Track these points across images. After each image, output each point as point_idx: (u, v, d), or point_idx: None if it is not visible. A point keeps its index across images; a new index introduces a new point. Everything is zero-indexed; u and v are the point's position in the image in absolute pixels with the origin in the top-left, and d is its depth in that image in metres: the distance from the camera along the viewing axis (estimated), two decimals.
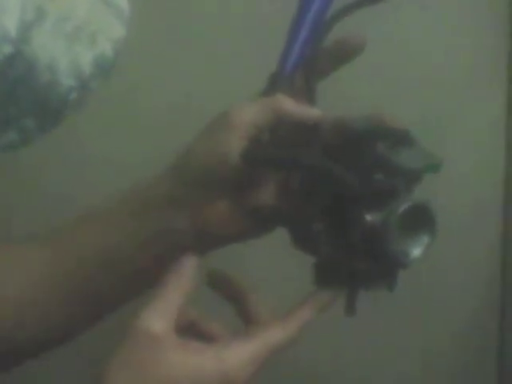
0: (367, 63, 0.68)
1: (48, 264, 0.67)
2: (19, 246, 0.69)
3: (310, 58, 0.65)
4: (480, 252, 1.13)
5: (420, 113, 1.05)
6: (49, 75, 0.48)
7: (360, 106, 0.97)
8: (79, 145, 0.98)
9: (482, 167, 1.12)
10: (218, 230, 0.64)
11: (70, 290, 0.67)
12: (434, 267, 0.97)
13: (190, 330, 0.61)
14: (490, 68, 1.10)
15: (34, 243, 0.69)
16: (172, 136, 0.93)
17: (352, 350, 1.08)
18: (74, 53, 0.48)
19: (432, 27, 1.06)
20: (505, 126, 1.12)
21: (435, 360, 1.14)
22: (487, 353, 1.15)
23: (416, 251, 0.59)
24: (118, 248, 0.66)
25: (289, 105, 0.63)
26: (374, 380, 1.12)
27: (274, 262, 0.97)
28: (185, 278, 0.59)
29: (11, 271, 0.67)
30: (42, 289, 0.67)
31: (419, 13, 1.03)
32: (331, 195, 0.60)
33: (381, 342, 1.08)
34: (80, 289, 0.67)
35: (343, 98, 0.84)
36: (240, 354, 0.56)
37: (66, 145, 0.96)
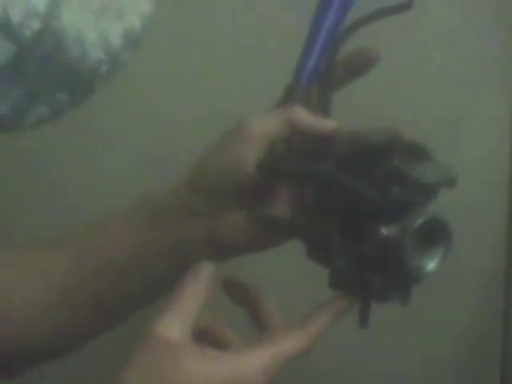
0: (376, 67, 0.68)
1: (62, 270, 0.67)
2: (33, 250, 0.69)
3: (326, 70, 0.65)
4: (484, 252, 1.14)
5: (425, 113, 1.06)
6: (78, 49, 0.48)
7: (367, 109, 0.98)
8: (83, 145, 0.97)
9: (488, 167, 1.12)
10: (231, 240, 0.64)
11: (84, 296, 0.67)
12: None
13: (202, 335, 0.61)
14: (496, 67, 1.10)
15: (47, 248, 0.69)
16: (186, 140, 0.94)
17: (351, 349, 1.08)
18: (103, 27, 0.49)
19: (436, 26, 1.06)
20: (510, 126, 1.12)
21: (436, 361, 1.14)
22: (490, 354, 1.16)
23: (431, 265, 0.59)
24: (132, 256, 0.66)
25: (304, 116, 0.63)
26: (374, 379, 1.12)
27: (286, 268, 0.98)
28: (202, 284, 0.59)
29: (26, 276, 0.67)
30: (57, 294, 0.67)
31: (423, 14, 1.02)
32: (347, 208, 0.60)
33: (381, 342, 1.08)
34: (94, 295, 0.67)
35: (351, 99, 0.84)
36: (255, 362, 0.56)
37: (68, 145, 0.96)
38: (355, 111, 0.87)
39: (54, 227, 0.91)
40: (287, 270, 0.99)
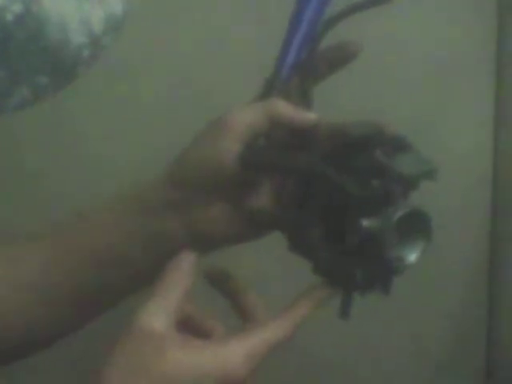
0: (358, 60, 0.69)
1: (48, 263, 0.67)
2: (19, 245, 0.69)
3: (306, 62, 0.66)
4: (468, 242, 1.14)
5: (407, 107, 1.06)
6: (60, 33, 0.49)
7: (349, 103, 0.98)
8: (79, 142, 0.97)
9: (471, 160, 1.13)
10: (214, 233, 0.65)
11: (64, 289, 0.67)
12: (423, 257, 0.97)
13: (185, 324, 0.61)
14: (479, 61, 1.10)
15: (33, 242, 0.69)
16: (171, 131, 0.94)
17: (339, 335, 1.08)
18: (84, 11, 0.50)
19: (420, 22, 1.06)
20: (493, 121, 1.12)
21: (424, 348, 1.15)
22: (476, 341, 1.16)
23: (411, 257, 0.59)
24: (114, 248, 0.66)
25: (285, 108, 0.63)
26: (361, 365, 1.13)
27: (270, 260, 0.98)
28: (184, 274, 0.59)
29: (11, 270, 0.67)
30: (43, 287, 0.67)
31: (404, 6, 1.03)
32: (328, 200, 0.60)
33: (369, 329, 1.08)
34: (75, 287, 0.67)
35: (335, 92, 0.84)
36: (239, 351, 0.56)
37: (66, 143, 0.96)
38: (337, 104, 0.88)
39: (35, 215, 0.93)
40: (270, 262, 1.00)
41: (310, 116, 0.63)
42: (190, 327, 0.63)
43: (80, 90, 0.87)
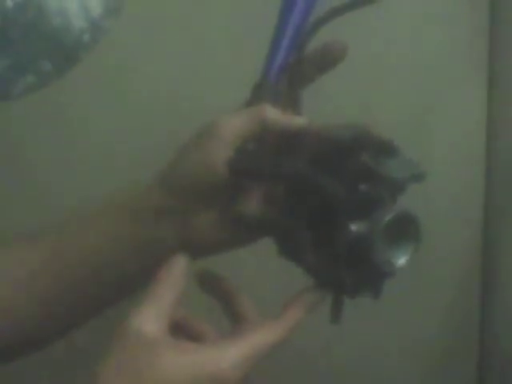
0: (346, 62, 0.69)
1: (36, 265, 0.67)
2: (9, 246, 0.69)
3: (294, 66, 0.66)
4: (461, 238, 1.14)
5: (398, 102, 1.06)
6: (60, 19, 0.50)
7: (339, 105, 0.98)
8: (79, 142, 0.97)
9: (463, 156, 1.13)
10: (204, 239, 0.65)
11: (58, 290, 0.68)
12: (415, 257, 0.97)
13: (178, 328, 0.62)
14: (470, 54, 1.10)
15: (22, 244, 0.69)
16: (164, 116, 0.94)
17: (331, 335, 1.08)
18: None
19: (408, 12, 1.06)
20: (485, 121, 1.12)
21: (416, 346, 1.15)
22: (468, 340, 1.16)
23: (401, 260, 0.59)
24: (105, 253, 0.66)
25: (273, 114, 0.63)
26: (357, 359, 1.12)
27: (261, 263, 0.98)
28: (176, 278, 0.59)
29: (10, 271, 0.68)
30: (31, 288, 0.67)
31: (396, 7, 1.03)
32: (316, 205, 0.60)
33: (361, 328, 1.08)
34: (67, 289, 0.67)
35: (324, 93, 0.84)
36: (232, 355, 0.56)
37: (64, 143, 0.96)
38: (326, 106, 0.88)
39: (27, 207, 0.93)
40: (260, 267, 1.00)
41: (298, 121, 0.64)
42: (182, 331, 0.63)
43: (79, 86, 0.89)
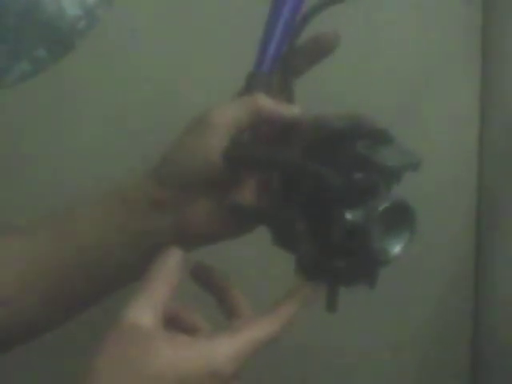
0: (340, 52, 0.69)
1: (35, 252, 0.67)
2: (7, 233, 0.69)
3: (287, 56, 0.65)
4: (454, 227, 1.14)
5: (391, 95, 1.06)
6: (54, 7, 0.51)
7: (331, 95, 0.98)
8: (78, 138, 0.97)
9: (456, 150, 1.13)
10: (199, 230, 0.65)
11: (56, 278, 0.67)
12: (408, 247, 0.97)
13: (172, 320, 0.61)
14: (463, 50, 1.10)
15: (21, 231, 0.69)
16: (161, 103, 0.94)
17: (326, 320, 1.08)
18: None
19: (401, 8, 1.06)
20: (479, 112, 1.12)
21: (409, 339, 1.15)
22: (461, 332, 1.17)
23: (396, 248, 0.59)
24: (100, 245, 0.66)
25: (267, 103, 0.63)
26: (349, 347, 1.13)
27: (256, 256, 0.98)
28: (171, 270, 0.59)
29: (10, 260, 0.67)
30: (30, 276, 0.67)
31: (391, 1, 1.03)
32: (311, 194, 0.60)
33: (354, 319, 1.08)
34: (65, 278, 0.67)
35: (319, 83, 0.84)
36: (226, 348, 0.56)
37: (64, 138, 0.95)
38: (320, 96, 0.88)
39: (25, 196, 0.92)
40: (256, 258, 1.00)
41: (292, 109, 0.64)
42: (176, 324, 0.63)
43: (78, 78, 0.89)
